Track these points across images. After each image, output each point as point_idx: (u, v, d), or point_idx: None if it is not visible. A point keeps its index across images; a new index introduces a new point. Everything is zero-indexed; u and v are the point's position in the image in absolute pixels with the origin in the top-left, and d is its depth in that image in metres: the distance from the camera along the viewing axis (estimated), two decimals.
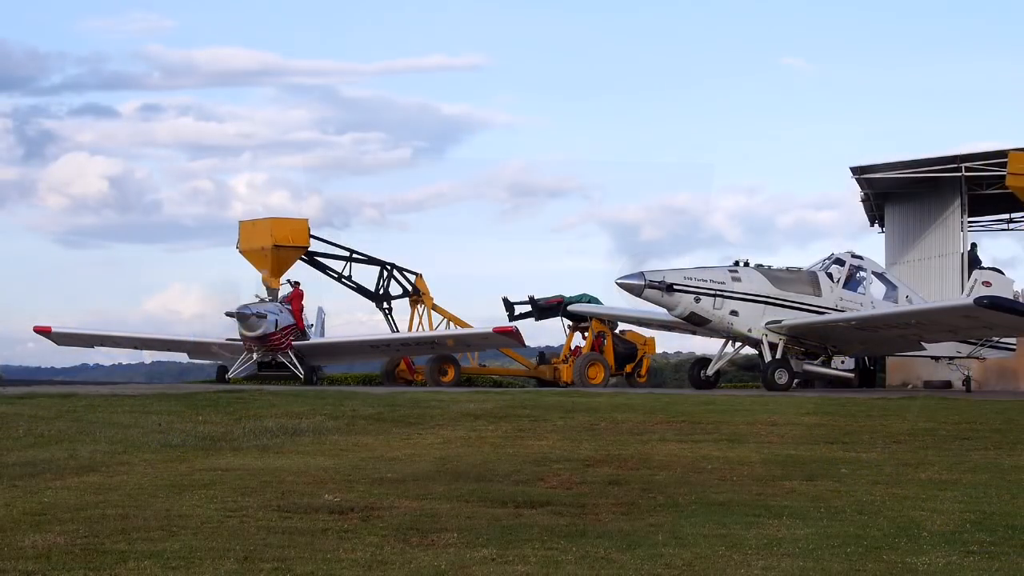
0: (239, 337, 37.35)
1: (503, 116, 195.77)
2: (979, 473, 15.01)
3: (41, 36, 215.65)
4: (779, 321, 31.98)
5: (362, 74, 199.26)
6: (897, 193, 42.89)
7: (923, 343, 32.95)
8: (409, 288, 42.00)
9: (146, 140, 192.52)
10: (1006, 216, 50.34)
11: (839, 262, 33.27)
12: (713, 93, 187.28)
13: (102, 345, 43.21)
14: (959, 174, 39.19)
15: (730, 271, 32.33)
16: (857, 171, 40.87)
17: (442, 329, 40.84)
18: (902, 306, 32.68)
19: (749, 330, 32.09)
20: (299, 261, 41.39)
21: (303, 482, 13.68)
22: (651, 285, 31.61)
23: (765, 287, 32.27)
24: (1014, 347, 35.78)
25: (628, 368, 39.72)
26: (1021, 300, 40.50)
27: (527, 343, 38.84)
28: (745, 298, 32.06)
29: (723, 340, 33.44)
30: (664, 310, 32.79)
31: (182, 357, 43.96)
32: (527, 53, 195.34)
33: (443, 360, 38.15)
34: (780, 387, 31.21)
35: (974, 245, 40.83)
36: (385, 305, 42.42)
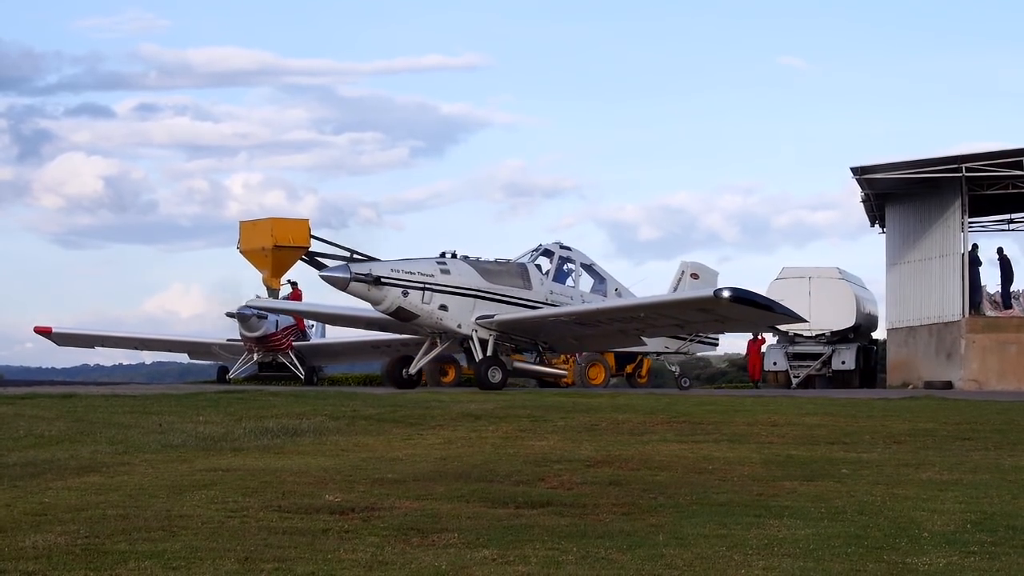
0: (239, 338, 37.40)
1: (501, 116, 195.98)
2: (980, 473, 15.01)
3: (37, 35, 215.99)
4: (490, 316, 30.33)
5: (359, 74, 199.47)
6: (897, 193, 42.89)
7: (644, 338, 32.23)
8: None
9: (142, 140, 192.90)
10: (1006, 216, 50.39)
11: (547, 253, 32.02)
12: (711, 93, 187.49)
13: (102, 345, 43.33)
14: (959, 174, 39.20)
15: (438, 263, 30.44)
16: (857, 171, 40.88)
17: None
18: (627, 299, 31.74)
19: (459, 325, 30.25)
20: (300, 261, 41.44)
21: (304, 482, 13.67)
22: (357, 278, 29.61)
23: (475, 280, 30.53)
24: (717, 341, 35.97)
25: (628, 369, 39.73)
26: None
27: None
28: (454, 291, 30.25)
29: (427, 337, 31.48)
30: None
31: (182, 357, 44.08)
32: (525, 53, 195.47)
33: (443, 360, 38.13)
34: (494, 386, 29.18)
35: (975, 246, 40.85)
36: None
